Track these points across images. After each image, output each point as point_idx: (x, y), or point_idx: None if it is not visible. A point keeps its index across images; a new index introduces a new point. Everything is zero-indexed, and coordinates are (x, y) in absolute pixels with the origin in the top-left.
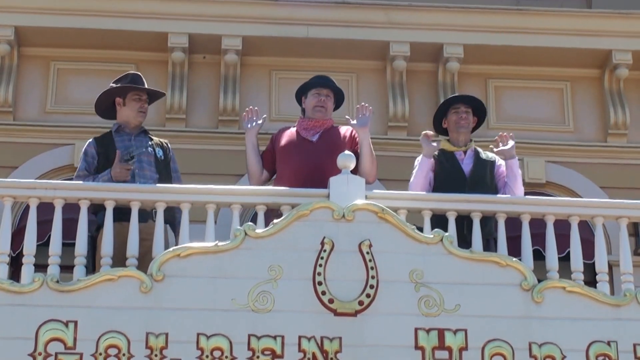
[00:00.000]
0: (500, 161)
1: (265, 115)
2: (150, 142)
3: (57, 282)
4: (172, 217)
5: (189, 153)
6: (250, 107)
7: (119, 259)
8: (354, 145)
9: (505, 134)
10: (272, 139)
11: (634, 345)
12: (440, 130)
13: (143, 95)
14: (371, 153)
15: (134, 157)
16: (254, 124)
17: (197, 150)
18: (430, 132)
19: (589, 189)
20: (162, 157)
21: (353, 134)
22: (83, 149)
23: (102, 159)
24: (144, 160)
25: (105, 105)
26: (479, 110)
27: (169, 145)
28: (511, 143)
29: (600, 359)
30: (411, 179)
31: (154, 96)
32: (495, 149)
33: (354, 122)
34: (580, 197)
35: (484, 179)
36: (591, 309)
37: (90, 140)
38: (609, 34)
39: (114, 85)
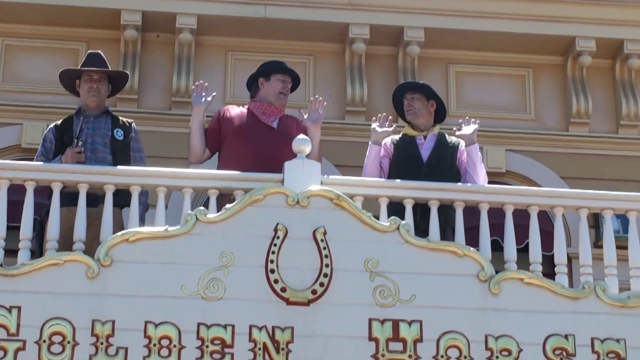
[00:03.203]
0: (464, 145)
1: (215, 93)
2: (107, 124)
3: (1, 266)
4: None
5: (140, 135)
6: (201, 81)
7: (69, 245)
8: None
9: (466, 119)
10: (219, 118)
11: (592, 339)
12: (405, 118)
13: (94, 75)
14: (319, 151)
15: (80, 141)
16: (202, 100)
17: (149, 132)
18: (384, 115)
19: (550, 179)
20: (122, 138)
21: (302, 127)
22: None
23: (59, 143)
24: (98, 142)
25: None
26: (434, 96)
27: (133, 125)
28: (472, 128)
29: (557, 352)
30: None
31: (120, 78)
32: (456, 133)
33: (306, 116)
34: (541, 186)
35: (442, 164)
36: (549, 302)
37: (52, 125)
38: (572, 20)
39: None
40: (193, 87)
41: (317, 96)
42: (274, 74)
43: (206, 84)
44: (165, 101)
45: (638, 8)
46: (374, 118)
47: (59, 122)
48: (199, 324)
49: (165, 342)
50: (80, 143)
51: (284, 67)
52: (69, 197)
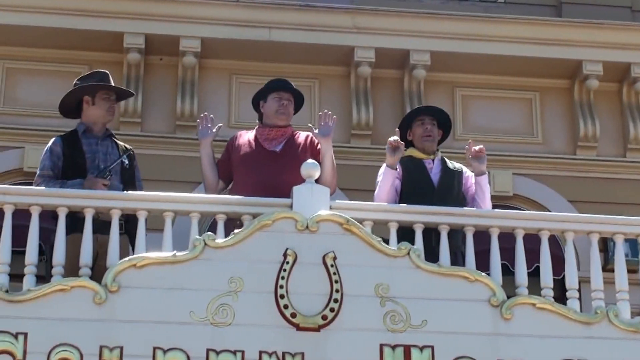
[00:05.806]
0: (468, 172)
1: (220, 124)
2: (113, 148)
3: (7, 292)
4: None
5: (143, 158)
6: (205, 113)
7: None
8: (315, 153)
9: (472, 142)
10: (228, 148)
11: None
12: (405, 142)
13: (112, 94)
14: (333, 164)
15: (110, 173)
16: (208, 132)
17: (153, 155)
18: (395, 138)
19: (557, 203)
20: (128, 166)
21: (314, 141)
22: (47, 147)
23: (69, 161)
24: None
25: (68, 104)
26: (444, 123)
27: (134, 152)
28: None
29: None
30: (376, 190)
31: (120, 96)
32: (469, 157)
33: (317, 131)
34: (548, 210)
35: (452, 188)
36: (562, 327)
37: (56, 138)
38: (579, 44)
39: (79, 83)
40: (198, 120)
41: (326, 110)
42: (270, 94)
43: (211, 115)
44: (169, 125)
45: None
46: (389, 140)
47: (62, 135)
48: (208, 350)
49: None
50: (109, 176)
51: (278, 85)
52: (81, 223)
